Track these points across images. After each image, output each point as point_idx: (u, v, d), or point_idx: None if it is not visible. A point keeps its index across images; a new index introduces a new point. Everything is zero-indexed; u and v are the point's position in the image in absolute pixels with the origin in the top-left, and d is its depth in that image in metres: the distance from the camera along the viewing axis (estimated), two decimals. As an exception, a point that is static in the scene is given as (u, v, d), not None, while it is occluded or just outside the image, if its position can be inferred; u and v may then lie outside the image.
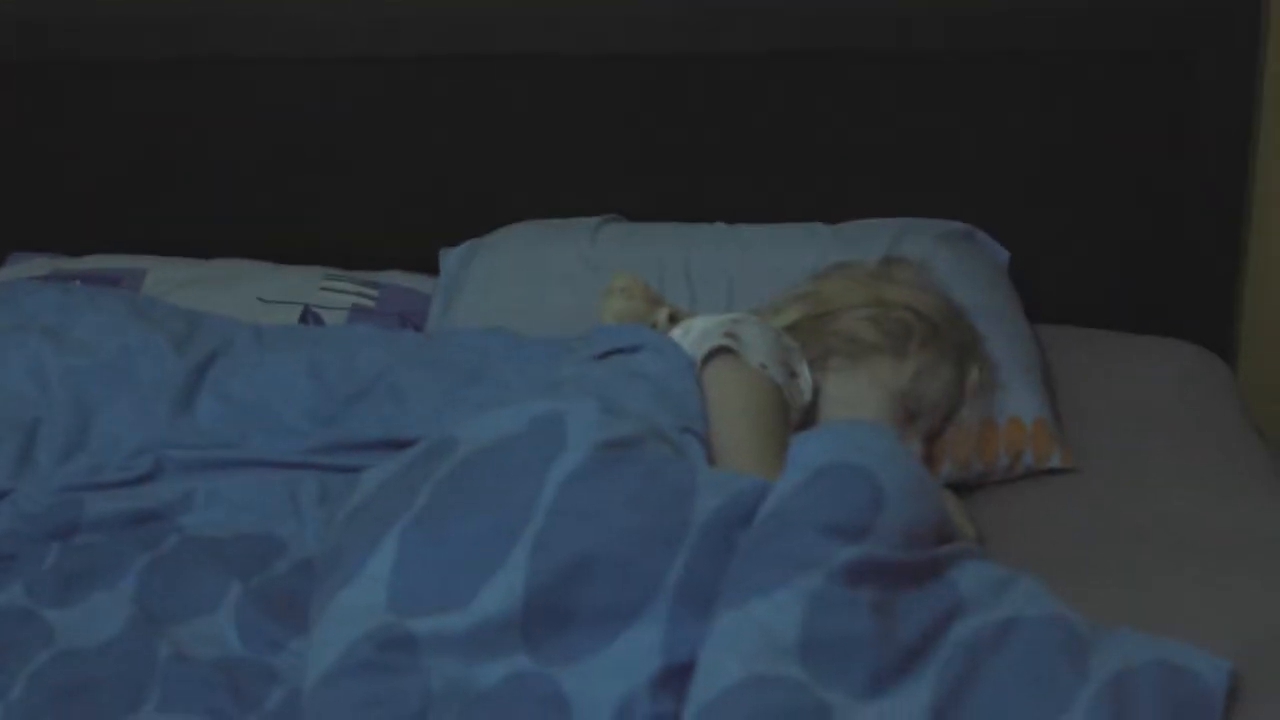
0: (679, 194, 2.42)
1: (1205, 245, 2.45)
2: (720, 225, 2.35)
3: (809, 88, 2.38)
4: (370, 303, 2.34)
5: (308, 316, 2.29)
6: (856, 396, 1.92)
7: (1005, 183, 2.43)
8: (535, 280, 2.28)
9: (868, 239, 2.28)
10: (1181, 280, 2.47)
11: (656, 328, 1.97)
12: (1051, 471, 2.06)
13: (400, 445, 1.88)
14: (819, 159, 2.41)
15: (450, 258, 2.39)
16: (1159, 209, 2.44)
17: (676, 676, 1.54)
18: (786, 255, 2.27)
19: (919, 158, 2.42)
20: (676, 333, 1.94)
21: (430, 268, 2.44)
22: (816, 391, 1.92)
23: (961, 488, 2.03)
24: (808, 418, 1.90)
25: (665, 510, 1.61)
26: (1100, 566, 1.82)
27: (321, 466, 1.93)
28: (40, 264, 2.43)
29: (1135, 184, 2.43)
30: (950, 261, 2.24)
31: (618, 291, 2.01)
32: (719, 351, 1.88)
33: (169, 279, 2.36)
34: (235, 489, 1.89)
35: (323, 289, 2.35)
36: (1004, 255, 2.38)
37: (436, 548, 1.60)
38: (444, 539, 1.61)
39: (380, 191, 2.50)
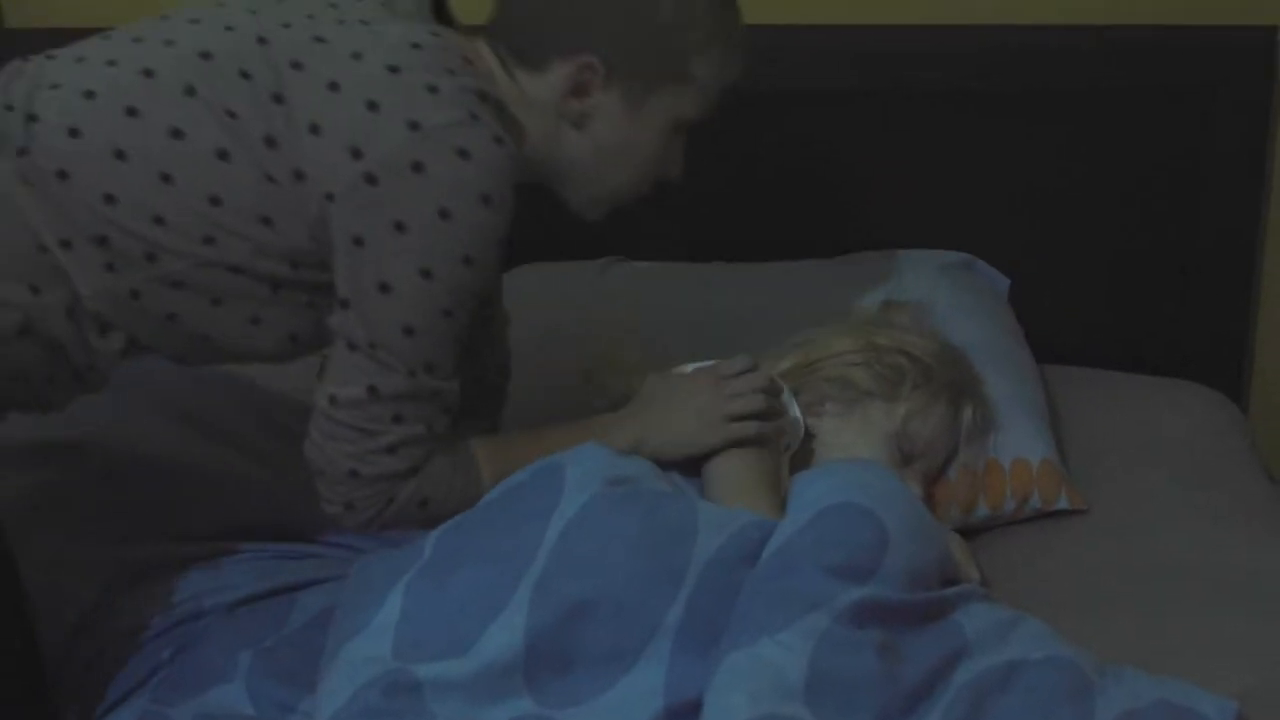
0: (680, 234, 2.42)
1: (1217, 287, 2.45)
2: (719, 264, 2.35)
3: (811, 125, 2.38)
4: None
5: None
6: (851, 440, 1.92)
7: (1015, 220, 2.43)
8: (540, 324, 2.27)
9: (869, 272, 2.28)
10: (1193, 322, 2.46)
11: None
12: (1061, 512, 2.04)
13: None
14: (822, 195, 2.41)
15: None
16: (1171, 249, 2.43)
17: (679, 717, 1.54)
18: (789, 292, 2.26)
19: (926, 193, 2.42)
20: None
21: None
22: (812, 436, 1.92)
23: (969, 530, 2.02)
24: (804, 462, 1.90)
25: (666, 551, 1.62)
26: (1108, 606, 1.81)
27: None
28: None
29: (1147, 224, 2.43)
30: (951, 295, 2.24)
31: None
32: None
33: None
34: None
35: None
36: (1004, 283, 2.37)
37: (440, 595, 1.62)
38: (447, 586, 1.62)
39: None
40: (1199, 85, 2.35)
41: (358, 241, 1.60)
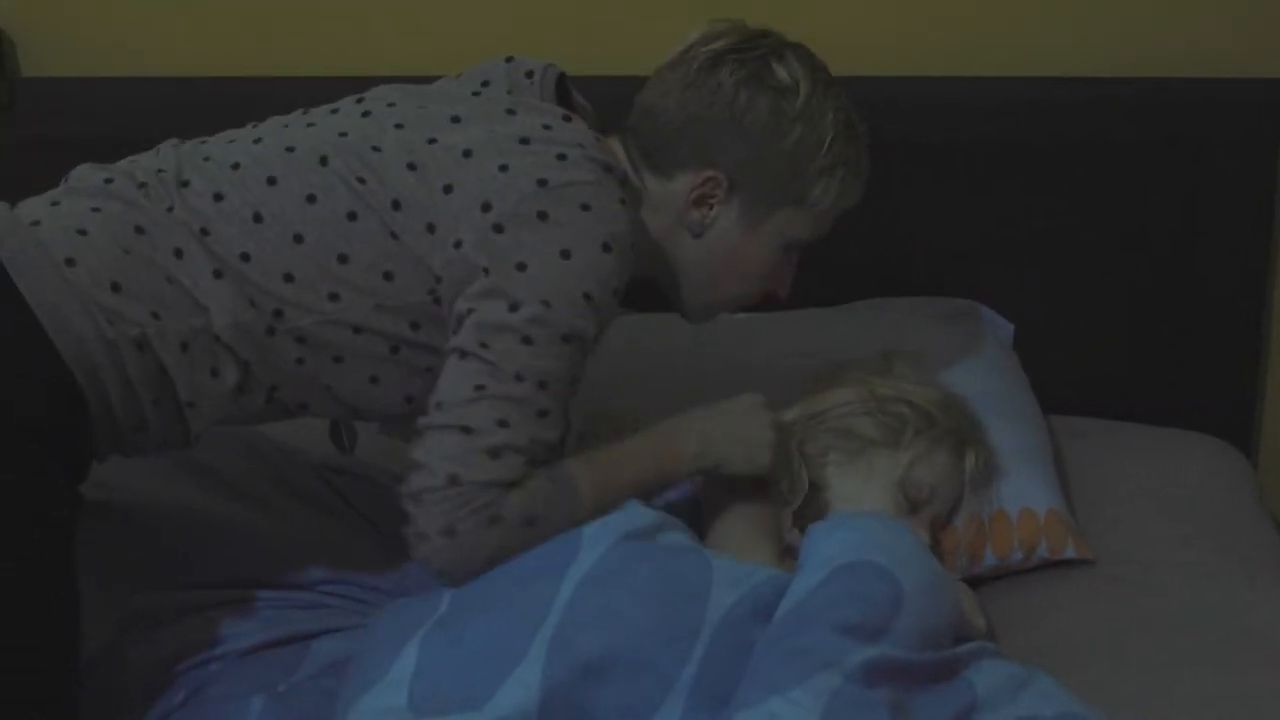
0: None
1: (1224, 337, 2.45)
2: (723, 315, 2.34)
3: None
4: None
5: None
6: (856, 490, 1.93)
7: (1020, 270, 2.43)
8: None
9: (871, 320, 2.29)
10: (1200, 372, 2.46)
11: None
12: (1068, 562, 2.04)
13: None
14: (824, 243, 2.41)
15: None
16: (1178, 300, 2.43)
17: None
18: (790, 341, 2.27)
19: (929, 244, 2.42)
20: None
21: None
22: (818, 488, 1.93)
23: (976, 580, 2.01)
24: (810, 513, 1.91)
25: (680, 608, 1.63)
26: (1116, 659, 1.81)
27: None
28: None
29: (1154, 276, 2.43)
30: (955, 344, 2.24)
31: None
32: None
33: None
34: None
35: None
36: (1008, 330, 2.37)
37: (455, 648, 1.63)
38: (462, 639, 1.63)
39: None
40: (1205, 137, 2.36)
41: (485, 271, 1.68)
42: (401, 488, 1.70)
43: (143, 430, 1.72)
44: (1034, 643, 1.85)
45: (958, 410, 2.03)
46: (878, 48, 2.39)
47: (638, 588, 1.64)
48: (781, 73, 1.78)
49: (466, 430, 1.66)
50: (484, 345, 1.67)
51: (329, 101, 1.86)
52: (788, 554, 1.86)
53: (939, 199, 2.41)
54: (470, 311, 1.69)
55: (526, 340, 1.67)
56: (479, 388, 1.67)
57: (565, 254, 1.68)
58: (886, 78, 2.38)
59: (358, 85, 1.88)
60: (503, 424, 1.66)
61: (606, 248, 1.70)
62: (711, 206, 1.80)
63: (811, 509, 1.92)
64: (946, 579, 1.74)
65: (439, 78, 1.91)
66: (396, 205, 1.71)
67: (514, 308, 1.67)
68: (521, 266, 1.67)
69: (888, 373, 2.03)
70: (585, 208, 1.69)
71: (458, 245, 1.69)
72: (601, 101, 1.90)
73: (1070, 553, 2.04)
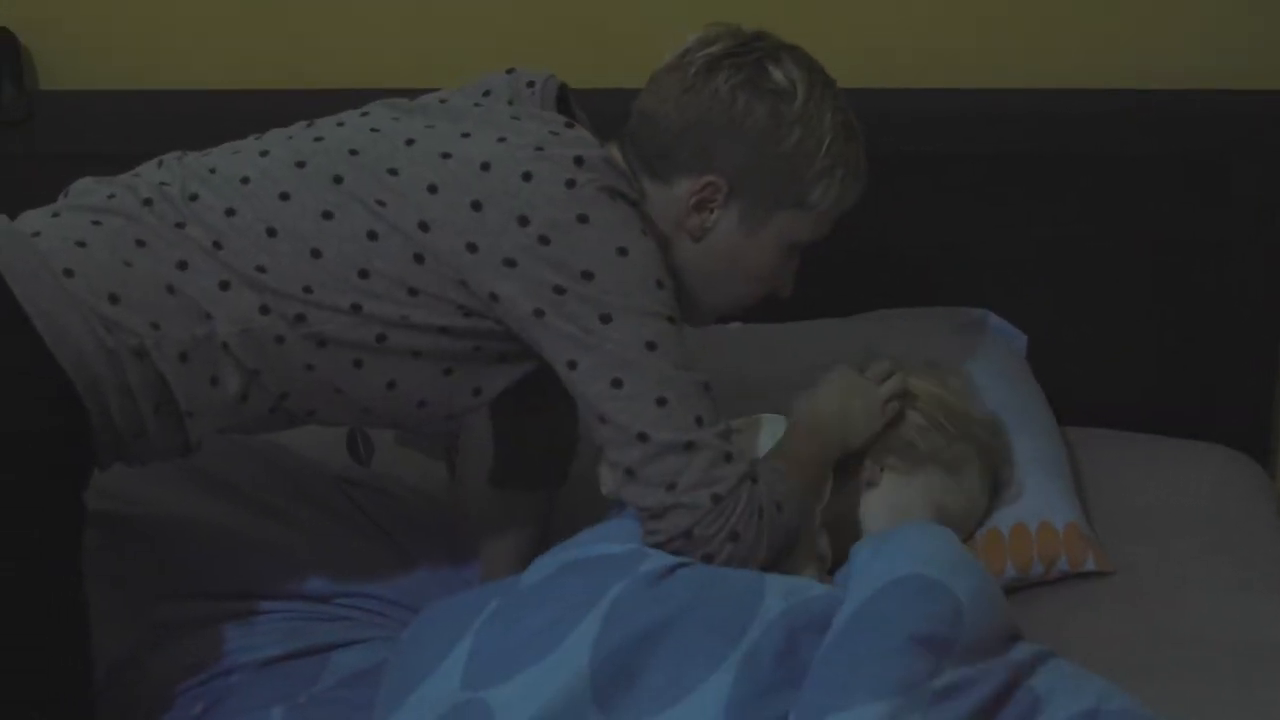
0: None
1: (1241, 350, 2.45)
2: (736, 325, 2.35)
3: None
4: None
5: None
6: (907, 503, 1.94)
7: (1038, 285, 2.43)
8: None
9: (885, 331, 2.28)
10: (1218, 385, 2.46)
11: None
12: (1088, 575, 2.04)
13: None
14: (838, 255, 2.41)
15: None
16: (1195, 313, 2.43)
17: None
18: (804, 353, 2.24)
19: (944, 256, 2.42)
20: None
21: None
22: (873, 486, 1.94)
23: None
24: (847, 510, 1.92)
25: (732, 604, 1.66)
26: (1137, 673, 1.79)
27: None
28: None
29: (1172, 288, 2.43)
30: (970, 354, 2.24)
31: None
32: None
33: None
34: None
35: None
36: (1021, 340, 2.37)
37: (511, 631, 1.67)
38: (516, 626, 1.67)
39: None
40: (1221, 148, 2.36)
41: (558, 290, 1.68)
42: (650, 536, 1.71)
43: (143, 437, 1.72)
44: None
45: (1004, 435, 2.06)
46: (891, 59, 2.40)
47: (692, 580, 1.68)
48: (778, 76, 1.77)
49: (689, 446, 1.69)
50: (625, 365, 1.69)
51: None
52: (820, 563, 1.87)
53: (952, 210, 2.41)
54: (584, 349, 1.69)
55: (650, 345, 1.69)
56: (661, 401, 1.69)
57: (622, 251, 1.70)
58: (897, 89, 2.38)
59: (370, 98, 1.88)
60: (700, 421, 1.70)
61: (645, 233, 1.72)
62: (711, 211, 1.80)
63: (853, 510, 1.93)
64: (996, 587, 1.74)
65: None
66: (424, 227, 1.71)
67: (613, 320, 1.68)
68: (588, 276, 1.68)
69: (950, 386, 2.03)
70: (613, 196, 1.71)
71: (510, 263, 1.69)
72: (606, 114, 1.89)
73: (1091, 565, 2.04)
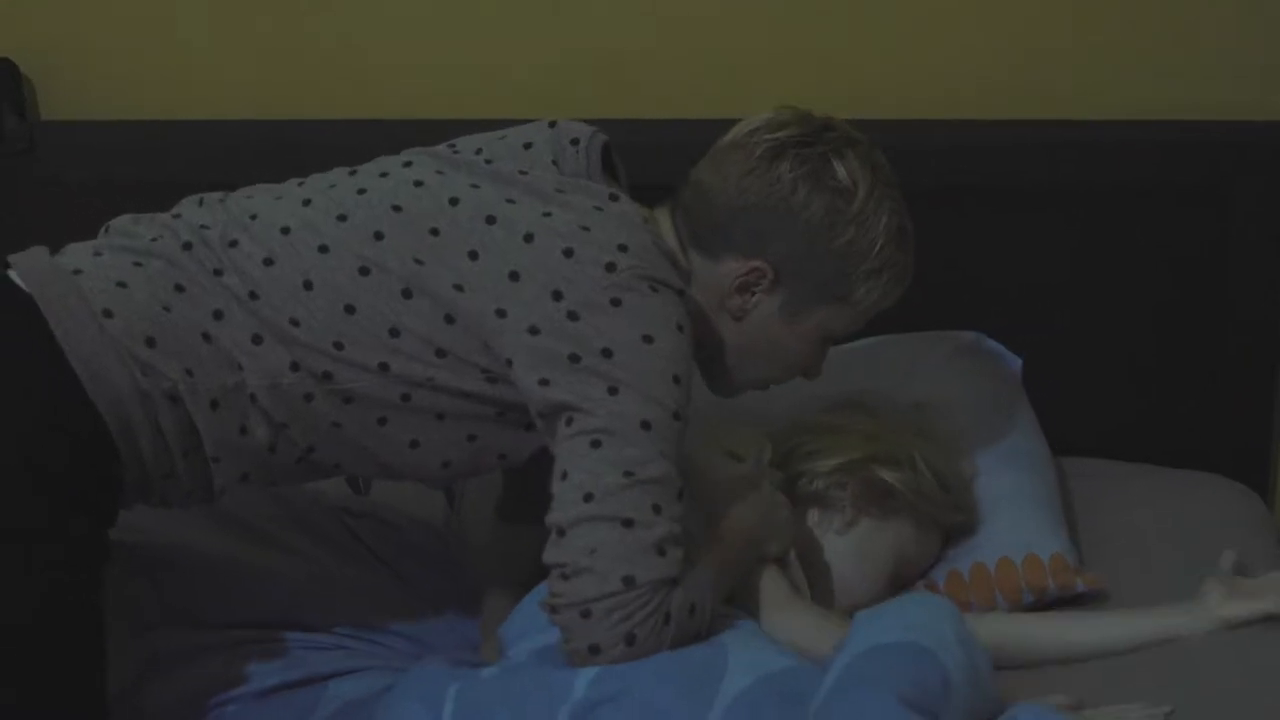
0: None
1: (1241, 378, 2.44)
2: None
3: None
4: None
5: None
6: (873, 551, 1.99)
7: (1037, 315, 2.43)
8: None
9: (881, 357, 2.29)
10: (1217, 415, 2.46)
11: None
12: (1082, 600, 2.04)
13: None
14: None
15: None
16: (1194, 341, 2.43)
17: None
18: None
19: (941, 288, 2.39)
20: None
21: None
22: (853, 527, 1.97)
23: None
24: (824, 558, 1.97)
25: (697, 681, 1.64)
26: (1133, 701, 1.79)
27: None
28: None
29: (1171, 319, 2.43)
30: (963, 383, 2.25)
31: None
32: None
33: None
34: None
35: None
36: (1016, 363, 2.36)
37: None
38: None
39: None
40: (1220, 179, 2.36)
41: (573, 359, 1.68)
42: (550, 599, 1.67)
43: (171, 479, 1.73)
44: (1051, 682, 1.84)
45: (972, 494, 2.09)
46: (886, 90, 2.41)
47: (658, 669, 1.64)
48: (841, 172, 1.78)
49: (629, 523, 1.65)
50: (609, 433, 1.66)
51: (352, 145, 1.86)
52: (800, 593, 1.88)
53: (948, 237, 2.40)
54: (579, 409, 1.67)
55: (645, 425, 1.67)
56: (628, 474, 1.66)
57: (648, 339, 1.69)
58: (893, 120, 2.38)
59: (381, 129, 1.90)
60: (657, 510, 1.66)
61: (680, 328, 1.71)
62: (754, 294, 1.81)
63: (820, 549, 1.96)
64: (988, 668, 1.71)
65: (463, 121, 1.90)
66: (459, 289, 1.71)
67: (619, 394, 1.67)
68: (607, 353, 1.67)
69: (928, 434, 2.05)
70: (654, 290, 1.71)
71: (534, 331, 1.69)
72: (621, 146, 1.89)
73: (1081, 587, 2.04)
